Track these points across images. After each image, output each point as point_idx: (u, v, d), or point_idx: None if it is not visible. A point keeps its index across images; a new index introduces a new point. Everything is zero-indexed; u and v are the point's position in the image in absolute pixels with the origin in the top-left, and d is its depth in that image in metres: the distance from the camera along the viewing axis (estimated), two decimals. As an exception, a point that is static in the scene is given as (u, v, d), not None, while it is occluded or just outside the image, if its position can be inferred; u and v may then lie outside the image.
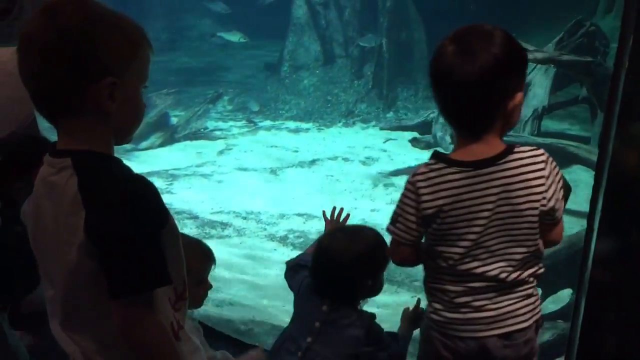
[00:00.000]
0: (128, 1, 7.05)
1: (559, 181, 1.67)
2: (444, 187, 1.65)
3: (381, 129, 7.09)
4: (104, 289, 1.24)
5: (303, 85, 9.21)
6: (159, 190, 1.33)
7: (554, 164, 1.68)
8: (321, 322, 1.92)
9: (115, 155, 1.35)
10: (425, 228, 1.72)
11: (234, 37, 9.63)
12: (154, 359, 1.29)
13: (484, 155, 1.63)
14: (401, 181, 6.27)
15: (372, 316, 1.99)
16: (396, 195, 6.13)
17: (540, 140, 5.75)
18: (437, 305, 1.78)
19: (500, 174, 1.63)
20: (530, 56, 5.29)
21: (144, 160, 6.90)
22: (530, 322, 1.77)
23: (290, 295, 4.49)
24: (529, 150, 1.66)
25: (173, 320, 1.38)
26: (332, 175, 6.59)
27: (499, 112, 1.61)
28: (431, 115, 6.36)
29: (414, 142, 6.15)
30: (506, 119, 1.64)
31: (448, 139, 5.77)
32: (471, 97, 1.58)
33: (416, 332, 2.05)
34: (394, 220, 1.77)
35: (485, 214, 1.64)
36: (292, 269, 2.19)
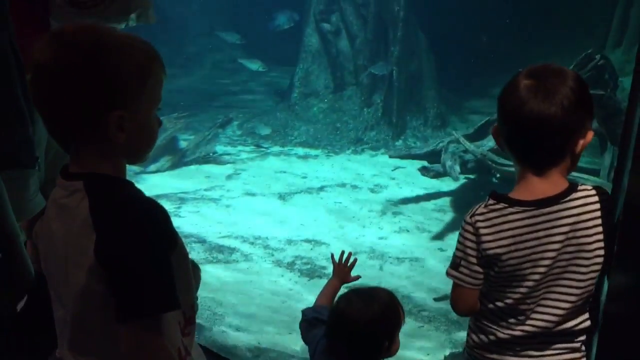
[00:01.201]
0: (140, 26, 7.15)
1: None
2: (505, 227, 1.60)
3: (390, 157, 7.10)
4: (112, 313, 1.23)
5: (312, 112, 9.27)
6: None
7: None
8: None
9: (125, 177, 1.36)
10: (487, 270, 1.66)
11: (254, 65, 9.79)
12: None
13: (547, 194, 1.58)
14: (409, 209, 6.26)
15: None
16: (405, 223, 6.14)
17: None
18: (475, 344, 1.77)
19: (567, 212, 1.58)
20: None
21: (152, 183, 6.93)
22: None
23: (296, 323, 4.46)
24: (592, 189, 1.63)
25: (181, 345, 1.38)
26: (340, 202, 6.59)
27: (569, 150, 1.59)
28: (440, 145, 6.37)
29: (424, 170, 6.15)
30: (573, 158, 1.61)
31: (457, 168, 5.77)
32: (546, 133, 1.54)
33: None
34: (456, 264, 1.69)
35: (551, 254, 1.60)
36: (309, 322, 2.17)
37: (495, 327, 1.72)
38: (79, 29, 1.26)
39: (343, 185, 7.08)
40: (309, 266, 5.13)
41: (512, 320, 1.69)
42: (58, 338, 1.40)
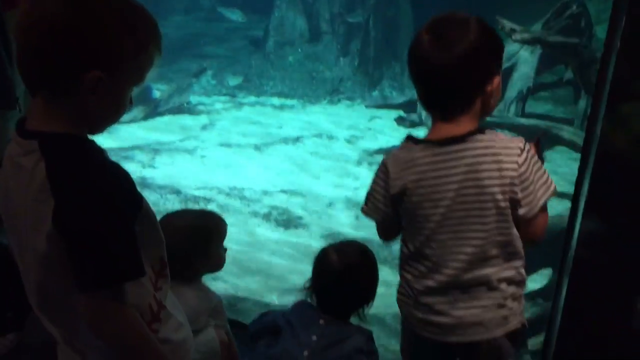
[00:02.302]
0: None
1: (537, 172, 1.60)
2: (409, 164, 1.64)
3: (367, 107, 7.07)
4: (72, 282, 1.19)
5: (288, 61, 9.13)
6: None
7: (535, 156, 1.62)
8: (318, 335, 1.89)
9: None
10: (395, 208, 1.71)
11: (235, 15, 9.58)
12: (125, 351, 1.25)
13: (451, 134, 1.60)
14: (385, 159, 6.28)
15: (369, 332, 1.97)
16: (381, 173, 6.01)
17: (524, 121, 5.78)
18: (402, 297, 1.79)
19: (467, 152, 1.59)
20: (517, 36, 5.31)
21: (125, 134, 6.81)
22: (500, 333, 1.70)
23: (273, 272, 4.48)
24: (505, 136, 1.63)
25: (152, 301, 1.34)
26: (316, 153, 6.57)
27: (477, 97, 1.60)
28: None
29: (400, 120, 6.14)
30: (484, 104, 1.62)
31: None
32: (447, 84, 1.56)
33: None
34: (366, 200, 1.78)
35: (450, 194, 1.60)
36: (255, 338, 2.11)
37: (412, 278, 1.73)
38: None
39: (319, 135, 7.04)
40: (285, 217, 5.15)
41: (422, 269, 1.70)
42: (28, 295, 1.36)
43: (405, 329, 1.87)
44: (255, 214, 5.18)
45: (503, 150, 1.58)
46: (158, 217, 1.43)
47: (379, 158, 6.79)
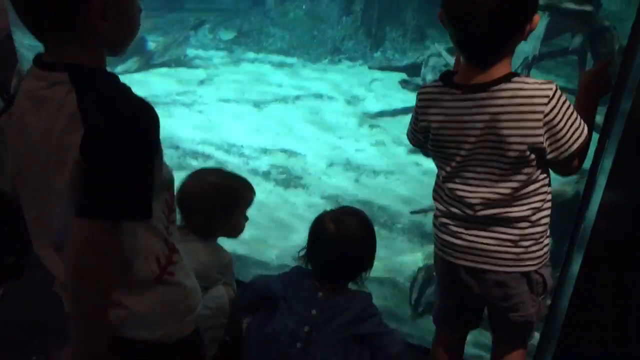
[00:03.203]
0: None
1: (568, 118, 1.59)
2: (435, 104, 1.69)
3: (370, 68, 6.96)
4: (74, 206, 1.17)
5: (289, 18, 8.94)
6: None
7: (566, 102, 1.59)
8: (318, 309, 1.88)
9: None
10: (426, 138, 1.78)
11: None
12: (80, 292, 1.21)
13: (481, 80, 1.59)
14: (387, 122, 6.22)
15: (368, 295, 1.97)
16: (381, 136, 6.12)
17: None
18: (434, 219, 1.87)
19: (491, 102, 1.58)
20: None
21: (121, 85, 6.68)
22: (508, 269, 1.75)
23: (273, 231, 4.47)
24: (534, 82, 1.58)
25: (164, 245, 1.33)
26: (316, 113, 6.49)
27: (513, 36, 1.56)
28: (421, 58, 6.25)
29: (404, 83, 6.06)
30: (519, 39, 1.59)
31: (438, 82, 5.70)
32: (485, 18, 1.51)
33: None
34: (410, 123, 1.87)
35: (471, 139, 1.64)
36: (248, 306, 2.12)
37: (439, 198, 1.82)
38: None
39: (319, 95, 6.95)
40: (284, 176, 5.11)
41: (446, 197, 1.78)
42: (34, 239, 1.33)
43: (435, 258, 1.94)
44: (254, 172, 5.13)
45: (528, 100, 1.56)
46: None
47: (380, 120, 6.78)
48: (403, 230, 4.44)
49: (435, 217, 1.86)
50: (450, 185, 1.75)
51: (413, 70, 6.18)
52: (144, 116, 1.19)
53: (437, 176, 1.82)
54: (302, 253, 1.98)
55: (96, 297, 1.21)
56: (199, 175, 2.14)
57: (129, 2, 1.26)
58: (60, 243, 1.27)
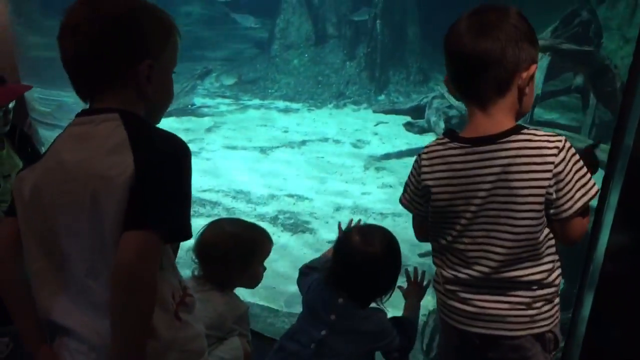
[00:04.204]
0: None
1: (576, 173, 1.56)
2: (442, 161, 1.64)
3: (374, 111, 7.03)
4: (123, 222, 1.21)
5: (293, 64, 9.10)
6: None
7: (575, 156, 1.57)
8: (337, 314, 1.87)
9: None
10: (427, 202, 1.72)
11: (248, 21, 9.57)
12: (130, 306, 1.19)
13: (488, 132, 1.57)
14: (392, 164, 6.24)
15: (385, 314, 1.96)
16: (388, 179, 6.13)
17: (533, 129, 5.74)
18: (436, 284, 1.81)
19: (500, 154, 1.55)
20: None
21: (130, 135, 6.78)
22: (523, 332, 1.69)
23: (280, 278, 4.43)
24: (544, 135, 1.56)
25: (179, 285, 1.37)
26: (322, 157, 6.53)
27: (510, 85, 1.55)
28: (424, 100, 6.31)
29: (408, 126, 6.11)
30: (520, 95, 1.58)
31: (442, 124, 5.73)
32: (483, 67, 1.53)
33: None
34: (404, 190, 1.81)
35: (482, 194, 1.59)
36: (304, 273, 2.15)
37: (443, 265, 1.74)
38: None
39: (325, 139, 7.01)
40: (292, 221, 5.10)
41: (455, 261, 1.71)
42: (46, 294, 1.32)
43: (441, 323, 1.87)
44: (262, 218, 5.14)
45: (538, 152, 1.53)
46: None
47: (386, 163, 6.80)
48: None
49: (437, 282, 1.79)
50: (460, 247, 1.67)
51: (417, 112, 6.23)
52: (185, 148, 1.29)
53: (437, 242, 1.75)
54: (327, 265, 1.97)
55: (145, 313, 1.21)
56: (218, 225, 2.15)
57: (167, 72, 1.38)
58: (90, 270, 1.27)
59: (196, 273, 2.10)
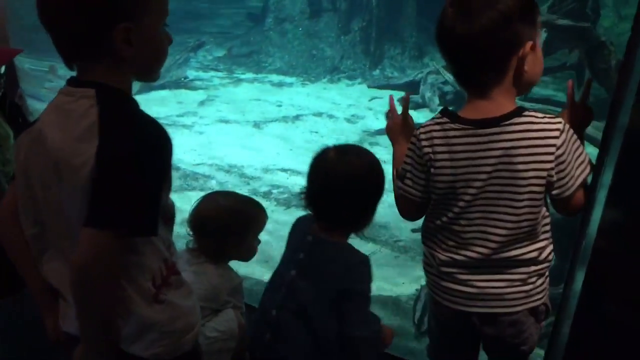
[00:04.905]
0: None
1: (575, 152, 1.58)
2: (443, 142, 1.61)
3: (369, 87, 7.00)
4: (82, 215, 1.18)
5: (287, 38, 9.01)
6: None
7: (574, 136, 1.58)
8: (305, 253, 1.74)
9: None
10: (426, 182, 1.69)
11: None
12: (86, 303, 1.22)
13: (489, 114, 1.56)
14: (386, 140, 6.20)
15: (364, 257, 1.74)
16: (382, 154, 6.08)
17: (528, 105, 5.74)
18: (426, 266, 1.79)
19: (503, 136, 1.55)
20: None
21: (122, 108, 6.72)
22: (520, 308, 1.71)
23: (274, 252, 4.44)
24: (544, 117, 1.56)
25: (162, 265, 1.35)
26: (316, 132, 6.51)
27: (508, 65, 1.54)
28: (419, 75, 6.28)
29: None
30: (518, 74, 1.55)
31: (437, 99, 5.72)
32: (474, 52, 1.50)
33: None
34: (402, 176, 1.75)
35: (483, 176, 1.58)
36: None
37: (436, 247, 1.73)
38: None
39: (319, 114, 6.97)
40: (285, 195, 5.10)
41: (450, 243, 1.69)
42: (36, 256, 1.36)
43: (431, 304, 1.87)
44: (255, 192, 5.13)
45: (541, 134, 1.53)
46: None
47: (381, 138, 6.81)
48: (405, 248, 4.42)
49: (430, 265, 1.77)
50: (456, 228, 1.66)
51: (412, 87, 6.21)
52: (159, 138, 1.23)
53: (432, 223, 1.72)
54: (303, 190, 1.80)
55: (101, 305, 1.22)
56: (212, 199, 2.14)
57: (153, 28, 1.28)
58: (68, 252, 1.27)
59: (190, 245, 2.10)
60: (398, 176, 1.77)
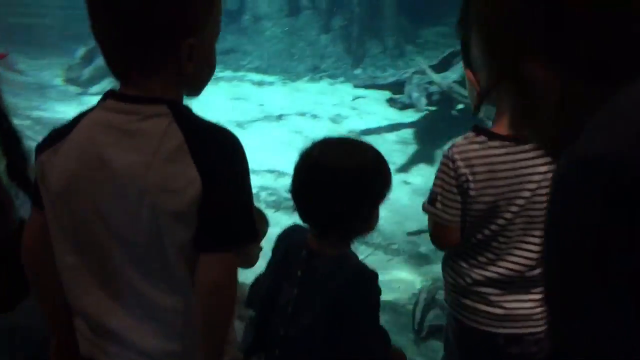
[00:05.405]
0: None
1: None
2: (483, 161, 1.56)
3: (355, 86, 6.93)
4: (198, 241, 1.16)
5: (265, 36, 8.91)
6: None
7: None
8: (302, 270, 1.56)
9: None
10: (464, 204, 1.62)
11: None
12: (222, 325, 1.22)
13: None
14: (372, 140, 6.14)
15: (368, 272, 1.51)
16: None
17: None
18: (451, 286, 1.75)
19: None
20: None
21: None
22: (544, 327, 1.67)
23: (267, 255, 4.37)
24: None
25: None
26: (300, 132, 6.42)
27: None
28: (405, 75, 6.25)
29: (391, 102, 6.05)
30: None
31: (424, 100, 5.69)
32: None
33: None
34: (433, 199, 1.65)
35: (526, 193, 1.55)
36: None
37: (468, 267, 1.67)
38: None
39: (302, 114, 6.89)
40: (274, 197, 5.01)
41: (483, 260, 1.65)
42: (72, 289, 1.25)
43: (454, 324, 1.80)
44: (242, 195, 5.03)
45: None
46: None
47: (365, 139, 6.70)
48: (398, 251, 4.38)
49: (456, 285, 1.71)
50: (494, 244, 1.62)
51: (397, 87, 6.18)
52: (239, 144, 1.23)
53: (468, 241, 1.65)
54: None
55: (228, 325, 1.25)
56: None
57: (212, 45, 1.26)
58: (147, 276, 1.19)
59: None
60: (428, 201, 1.67)
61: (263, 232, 2.12)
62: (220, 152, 1.19)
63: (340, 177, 1.44)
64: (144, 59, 1.18)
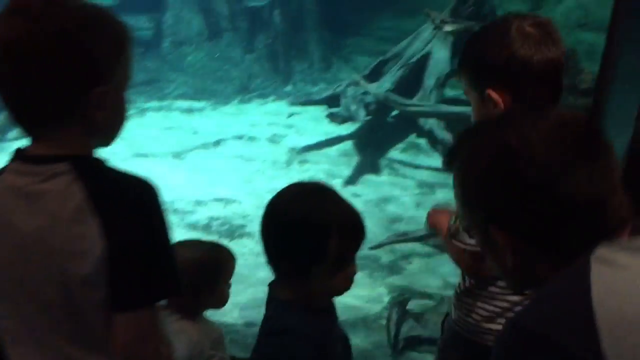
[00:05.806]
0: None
1: None
2: None
3: (291, 104, 6.90)
4: (109, 301, 1.15)
5: (188, 61, 8.75)
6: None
7: None
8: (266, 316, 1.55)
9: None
10: None
11: (140, 22, 8.94)
12: None
13: None
14: (315, 156, 6.18)
15: (290, 324, 1.41)
16: (314, 171, 6.03)
17: (444, 107, 5.92)
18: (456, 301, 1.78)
19: None
20: (449, 27, 5.42)
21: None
22: None
23: (232, 289, 4.25)
24: None
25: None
26: (241, 156, 6.33)
27: None
28: (338, 89, 6.30)
29: (332, 117, 6.07)
30: None
31: (363, 112, 5.75)
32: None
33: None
34: (462, 230, 1.61)
35: None
36: None
37: (497, 289, 1.68)
38: (47, 2, 1.11)
39: (239, 137, 6.78)
40: (227, 226, 4.91)
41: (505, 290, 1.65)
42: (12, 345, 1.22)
43: (456, 339, 1.83)
44: (193, 227, 4.89)
45: None
46: None
47: (307, 156, 6.70)
48: (361, 266, 4.37)
49: (460, 300, 1.76)
50: None
51: (333, 101, 6.21)
52: (152, 195, 1.18)
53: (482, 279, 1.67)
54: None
55: None
56: (177, 254, 2.01)
57: (120, 93, 1.23)
58: (75, 339, 1.18)
59: (163, 303, 1.99)
60: (454, 233, 1.64)
61: (232, 269, 2.10)
62: (128, 205, 1.14)
63: (280, 221, 1.51)
64: (48, 112, 1.14)
